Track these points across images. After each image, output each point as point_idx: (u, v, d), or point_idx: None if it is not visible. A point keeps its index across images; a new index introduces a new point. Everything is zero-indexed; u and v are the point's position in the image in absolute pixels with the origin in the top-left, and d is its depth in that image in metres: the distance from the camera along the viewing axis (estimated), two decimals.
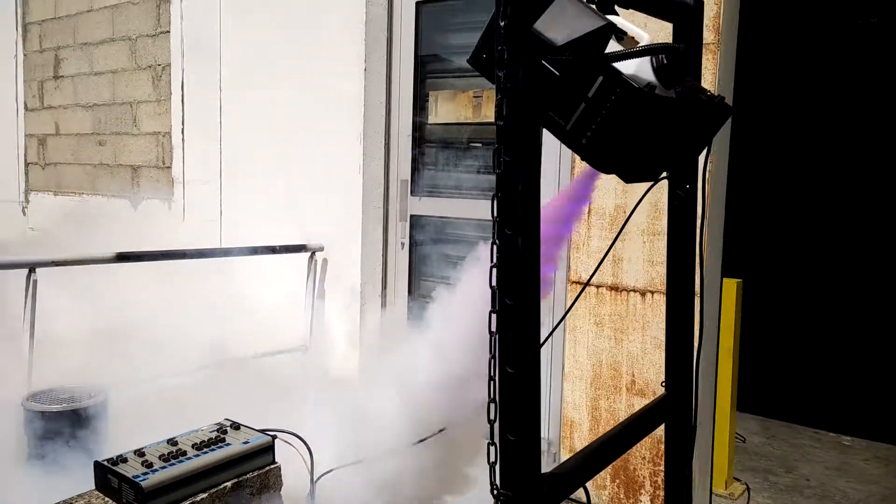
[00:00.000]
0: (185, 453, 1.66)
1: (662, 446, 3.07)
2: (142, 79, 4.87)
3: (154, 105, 4.78)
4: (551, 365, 3.52)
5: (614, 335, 3.29)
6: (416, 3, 3.86)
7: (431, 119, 3.89)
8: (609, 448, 1.60)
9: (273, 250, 3.66)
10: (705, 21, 2.97)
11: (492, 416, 1.22)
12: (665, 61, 1.20)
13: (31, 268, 2.74)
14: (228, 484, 1.67)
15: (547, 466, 3.49)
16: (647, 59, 1.22)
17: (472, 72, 1.40)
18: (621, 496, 3.30)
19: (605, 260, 3.30)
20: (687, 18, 1.71)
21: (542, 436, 3.50)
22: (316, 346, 3.69)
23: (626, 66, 1.20)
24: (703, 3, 1.72)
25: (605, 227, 3.30)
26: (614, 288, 3.28)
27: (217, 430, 1.79)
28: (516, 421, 1.21)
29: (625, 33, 1.30)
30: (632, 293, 3.23)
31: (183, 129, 4.62)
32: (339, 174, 3.89)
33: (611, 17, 1.28)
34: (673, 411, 1.83)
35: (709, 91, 1.52)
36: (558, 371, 3.49)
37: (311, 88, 4.02)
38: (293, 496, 1.80)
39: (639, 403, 3.22)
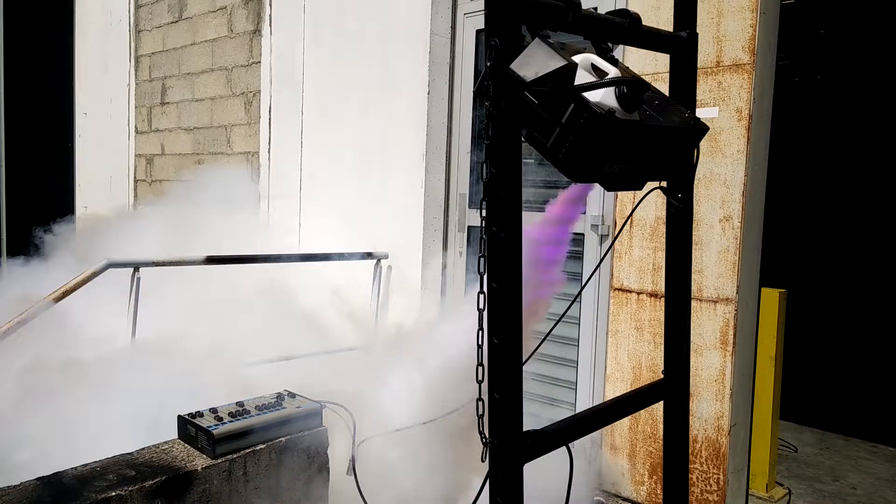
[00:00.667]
0: (248, 412, 2.04)
1: (697, 445, 3.27)
2: (236, 104, 5.43)
3: (245, 128, 5.32)
4: (594, 367, 3.74)
5: (653, 339, 3.48)
6: (476, 31, 4.21)
7: None
8: (601, 416, 1.85)
9: (343, 257, 4.06)
10: (741, 43, 3.19)
11: (479, 378, 1.51)
12: (625, 90, 1.46)
13: (136, 267, 3.23)
14: (283, 439, 2.02)
15: (590, 461, 3.73)
16: (612, 89, 1.49)
17: None
18: (658, 492, 3.47)
19: (646, 268, 3.51)
20: (681, 49, 1.95)
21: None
22: (380, 343, 4.04)
23: (595, 95, 1.48)
24: (696, 35, 1.96)
25: (646, 237, 3.51)
26: (654, 294, 3.48)
27: (276, 397, 2.16)
28: (501, 382, 1.49)
29: (602, 69, 1.58)
30: None
31: (269, 150, 5.14)
32: (403, 188, 4.27)
33: (585, 55, 1.56)
34: (670, 392, 2.05)
35: (686, 112, 1.77)
36: (601, 372, 3.70)
37: (379, 112, 4.42)
38: (339, 456, 2.13)
39: None
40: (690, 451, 3.37)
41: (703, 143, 3.28)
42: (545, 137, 1.50)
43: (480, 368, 1.52)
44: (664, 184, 2.00)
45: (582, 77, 1.50)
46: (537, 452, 1.59)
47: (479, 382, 1.52)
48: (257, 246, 4.39)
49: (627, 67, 1.84)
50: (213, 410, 2.04)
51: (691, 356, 3.37)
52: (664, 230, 3.46)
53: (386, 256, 4.23)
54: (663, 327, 3.50)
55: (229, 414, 2.01)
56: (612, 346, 3.66)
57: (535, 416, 3.70)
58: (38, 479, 1.73)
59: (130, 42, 6.51)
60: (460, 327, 3.35)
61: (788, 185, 5.02)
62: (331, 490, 2.14)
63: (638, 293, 3.55)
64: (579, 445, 3.83)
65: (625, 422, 3.62)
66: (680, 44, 1.94)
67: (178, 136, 6.06)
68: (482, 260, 1.49)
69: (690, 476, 3.37)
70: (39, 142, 7.21)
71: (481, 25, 4.20)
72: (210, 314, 3.64)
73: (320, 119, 4.80)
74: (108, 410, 2.24)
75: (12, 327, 2.72)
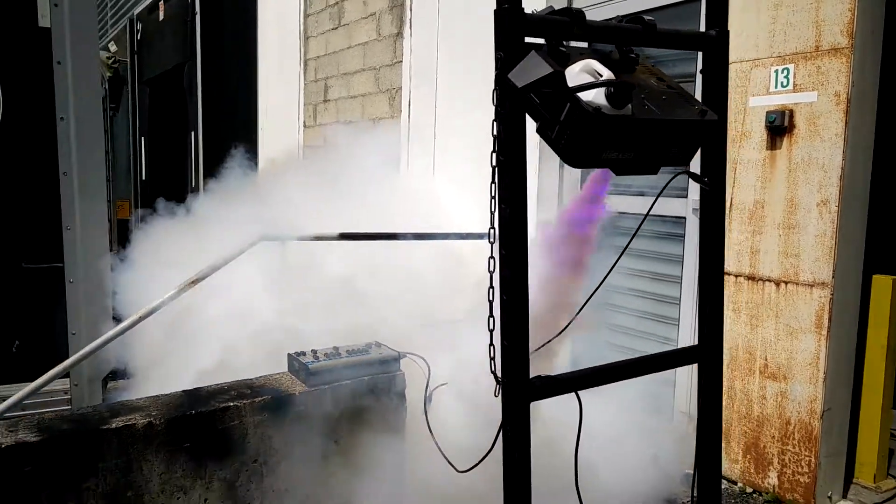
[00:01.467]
0: (340, 354, 2.52)
1: (790, 427, 3.35)
2: (382, 100, 6.04)
3: (389, 121, 5.91)
4: None
5: (750, 321, 3.55)
6: None
7: None
8: (617, 371, 2.10)
9: (461, 237, 4.47)
10: (839, 27, 3.21)
11: (491, 327, 1.85)
12: (612, 90, 1.72)
13: (283, 241, 3.88)
14: (365, 378, 2.49)
15: (684, 437, 3.91)
16: (603, 88, 1.75)
17: None
18: (752, 470, 3.54)
19: (744, 251, 3.58)
20: (712, 47, 2.13)
21: (683, 410, 3.90)
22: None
23: (588, 95, 1.75)
24: (726, 33, 2.12)
25: (745, 220, 3.57)
26: (751, 277, 3.55)
27: (366, 346, 2.63)
28: (510, 331, 1.82)
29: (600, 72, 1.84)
30: (767, 283, 3.47)
31: (408, 141, 5.69)
32: None
33: (587, 61, 1.82)
34: (703, 357, 2.24)
35: (696, 105, 1.97)
36: None
37: None
38: (415, 399, 2.55)
39: (771, 386, 3.46)
40: (783, 434, 3.44)
41: (802, 128, 3.31)
42: (550, 131, 1.81)
43: (491, 319, 1.86)
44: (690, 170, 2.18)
45: (583, 79, 1.78)
46: (545, 395, 1.90)
47: (491, 331, 1.86)
48: (397, 222, 4.92)
49: (652, 67, 2.07)
50: (314, 351, 2.55)
51: (786, 339, 3.43)
52: (763, 213, 3.54)
53: None
54: (759, 310, 3.59)
55: (325, 354, 2.52)
56: None
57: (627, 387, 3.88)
58: (183, 391, 2.33)
59: (300, 47, 7.37)
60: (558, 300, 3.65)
61: None
62: (410, 425, 2.58)
63: (736, 276, 3.62)
64: (677, 423, 3.98)
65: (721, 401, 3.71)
66: (710, 42, 2.12)
67: (337, 129, 6.82)
68: (492, 231, 1.83)
69: (783, 457, 3.44)
70: (229, 137, 8.36)
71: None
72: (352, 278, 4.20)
73: (449, 111, 5.25)
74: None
75: (185, 288, 3.45)
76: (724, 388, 3.70)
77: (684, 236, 3.89)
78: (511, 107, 1.75)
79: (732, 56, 3.62)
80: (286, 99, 7.68)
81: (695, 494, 2.27)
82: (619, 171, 1.93)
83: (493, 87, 1.82)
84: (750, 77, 3.52)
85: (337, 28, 6.68)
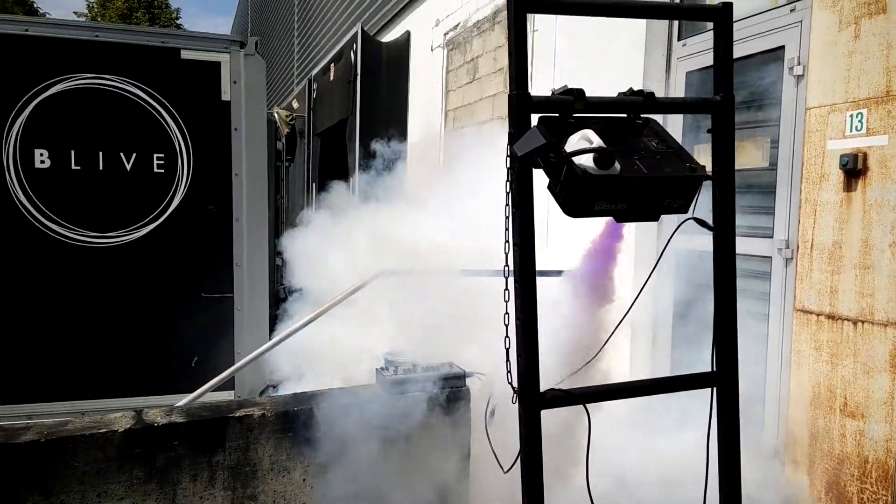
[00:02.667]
0: (416, 370, 3.05)
1: (868, 466, 3.45)
2: None
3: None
4: (780, 385, 3.95)
5: (830, 360, 3.63)
6: (686, 73, 4.69)
7: None
8: (624, 391, 2.44)
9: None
10: None
11: (507, 346, 2.29)
12: (597, 155, 2.12)
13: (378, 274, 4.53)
14: (436, 391, 2.99)
15: (772, 474, 4.08)
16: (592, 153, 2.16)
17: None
18: None
19: (824, 290, 3.67)
20: (718, 111, 2.45)
21: (769, 442, 4.05)
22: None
23: (580, 159, 2.17)
24: (731, 98, 2.43)
25: (825, 260, 3.67)
26: (831, 317, 3.63)
27: (440, 364, 3.14)
28: (524, 347, 2.25)
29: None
30: (845, 322, 3.55)
31: None
32: None
33: (584, 131, 2.24)
34: (719, 382, 2.49)
35: (689, 163, 2.31)
36: (786, 389, 3.90)
37: None
38: (479, 412, 3.00)
39: (850, 425, 3.51)
40: (862, 472, 3.48)
41: (875, 171, 3.41)
42: (555, 188, 2.25)
43: (507, 339, 2.31)
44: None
45: (581, 146, 2.21)
46: (554, 405, 2.29)
47: (507, 349, 2.31)
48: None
49: (660, 129, 2.44)
50: (396, 366, 3.10)
51: (864, 377, 3.50)
52: (841, 254, 3.67)
53: None
54: (839, 348, 3.68)
55: (404, 370, 3.06)
56: (794, 365, 3.85)
57: None
58: (291, 394, 2.98)
59: (442, 100, 8.16)
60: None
61: None
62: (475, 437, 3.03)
63: (817, 315, 3.71)
64: (763, 459, 4.04)
65: (805, 438, 3.78)
66: (716, 106, 2.44)
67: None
68: (505, 269, 2.29)
69: (861, 496, 3.47)
70: (381, 185, 9.34)
71: (692, 68, 4.68)
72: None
73: None
74: None
75: (314, 317, 4.17)
76: (807, 425, 3.79)
77: (770, 274, 4.01)
78: (519, 170, 2.22)
79: (812, 101, 3.81)
80: (430, 147, 8.49)
81: None
82: (619, 218, 2.32)
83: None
84: (828, 121, 3.65)
85: (472, 82, 7.37)
